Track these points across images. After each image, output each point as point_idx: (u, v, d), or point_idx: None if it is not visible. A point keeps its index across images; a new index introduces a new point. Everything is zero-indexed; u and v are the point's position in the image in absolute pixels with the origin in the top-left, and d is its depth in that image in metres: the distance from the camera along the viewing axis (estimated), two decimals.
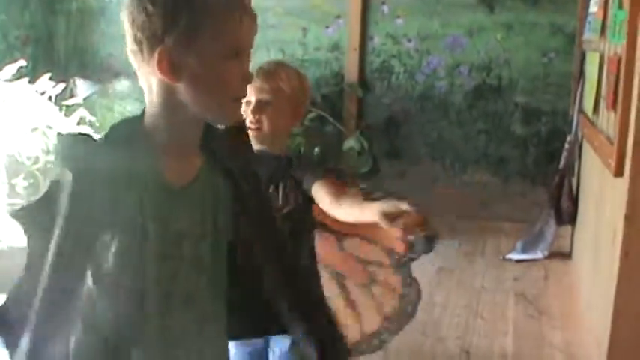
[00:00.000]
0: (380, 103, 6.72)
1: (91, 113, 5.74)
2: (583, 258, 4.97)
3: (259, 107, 2.44)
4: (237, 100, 1.60)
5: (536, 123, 6.53)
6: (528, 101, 6.52)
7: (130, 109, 6.72)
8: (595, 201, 4.52)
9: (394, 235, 2.01)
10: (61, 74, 5.97)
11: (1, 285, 1.80)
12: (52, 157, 5.43)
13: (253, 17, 1.58)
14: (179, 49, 1.50)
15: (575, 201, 5.57)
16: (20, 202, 5.31)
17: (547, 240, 5.70)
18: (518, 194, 6.57)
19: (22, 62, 5.58)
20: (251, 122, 2.41)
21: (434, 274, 5.27)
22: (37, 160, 5.39)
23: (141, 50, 1.52)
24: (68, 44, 7.12)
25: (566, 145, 5.72)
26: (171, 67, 1.51)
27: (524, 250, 5.70)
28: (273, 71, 2.49)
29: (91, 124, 5.71)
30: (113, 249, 1.55)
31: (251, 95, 2.42)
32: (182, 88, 1.53)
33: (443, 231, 6.16)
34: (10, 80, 5.50)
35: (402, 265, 2.67)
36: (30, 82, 5.56)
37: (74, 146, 1.53)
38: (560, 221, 5.64)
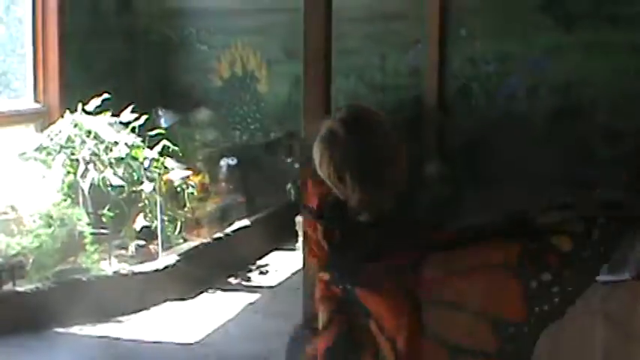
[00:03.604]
0: (459, 126, 6.65)
1: (173, 143, 5.80)
2: None
3: None
4: None
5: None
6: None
7: (211, 138, 6.79)
8: None
9: None
10: (144, 105, 6.03)
11: None
12: (136, 187, 5.49)
13: None
14: None
15: None
16: (106, 232, 5.39)
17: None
18: None
19: (106, 95, 5.66)
20: None
21: None
22: (122, 191, 5.45)
23: None
24: (149, 75, 7.21)
25: None
26: None
27: None
28: None
29: (173, 153, 5.77)
30: None
31: None
32: None
33: None
34: (95, 113, 5.59)
35: None
36: (113, 115, 5.64)
37: None
38: None
